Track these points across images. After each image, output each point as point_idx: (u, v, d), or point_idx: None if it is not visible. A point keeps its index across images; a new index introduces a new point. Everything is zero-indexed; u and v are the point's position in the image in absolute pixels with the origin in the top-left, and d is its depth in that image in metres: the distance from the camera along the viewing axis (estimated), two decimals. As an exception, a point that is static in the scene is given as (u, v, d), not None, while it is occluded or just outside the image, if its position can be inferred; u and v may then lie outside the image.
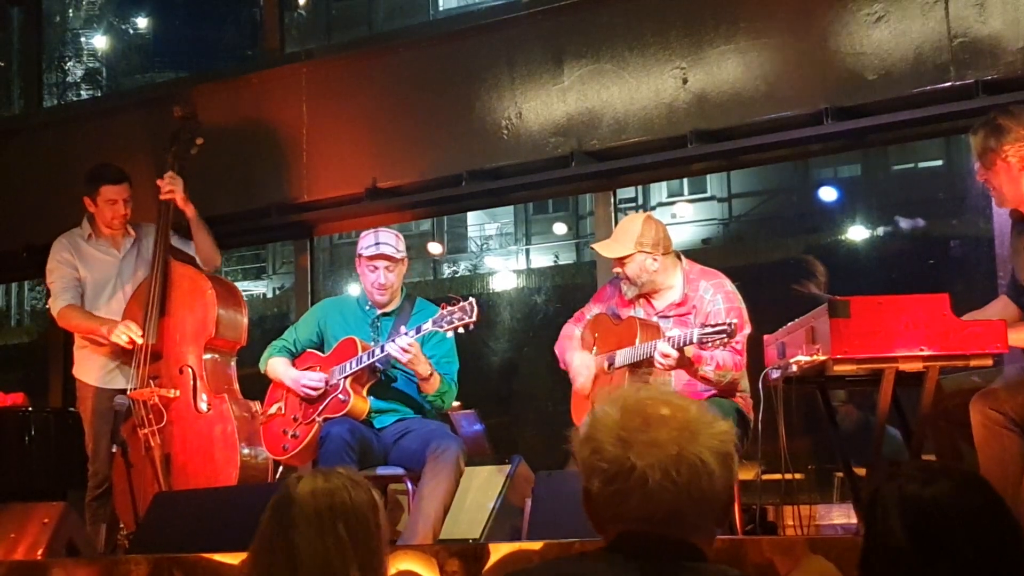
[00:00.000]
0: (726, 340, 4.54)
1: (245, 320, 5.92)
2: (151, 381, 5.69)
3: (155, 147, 7.26)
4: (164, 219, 5.96)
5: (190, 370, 5.70)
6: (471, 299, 4.87)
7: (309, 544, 2.49)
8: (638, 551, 1.93)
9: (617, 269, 5.05)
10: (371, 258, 5.23)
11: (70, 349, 6.13)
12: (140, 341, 5.68)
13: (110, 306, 5.94)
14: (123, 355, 5.80)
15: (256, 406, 5.65)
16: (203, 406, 5.65)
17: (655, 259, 4.97)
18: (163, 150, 6.20)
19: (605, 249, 5.14)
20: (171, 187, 5.95)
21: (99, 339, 5.82)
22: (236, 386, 5.84)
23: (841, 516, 5.22)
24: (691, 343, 4.60)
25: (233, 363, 5.89)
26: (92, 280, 6.00)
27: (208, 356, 5.76)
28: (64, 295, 5.93)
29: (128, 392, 5.65)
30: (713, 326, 4.55)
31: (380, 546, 2.53)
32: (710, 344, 4.57)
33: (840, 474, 5.54)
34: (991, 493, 2.13)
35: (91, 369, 5.94)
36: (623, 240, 5.01)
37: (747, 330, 4.90)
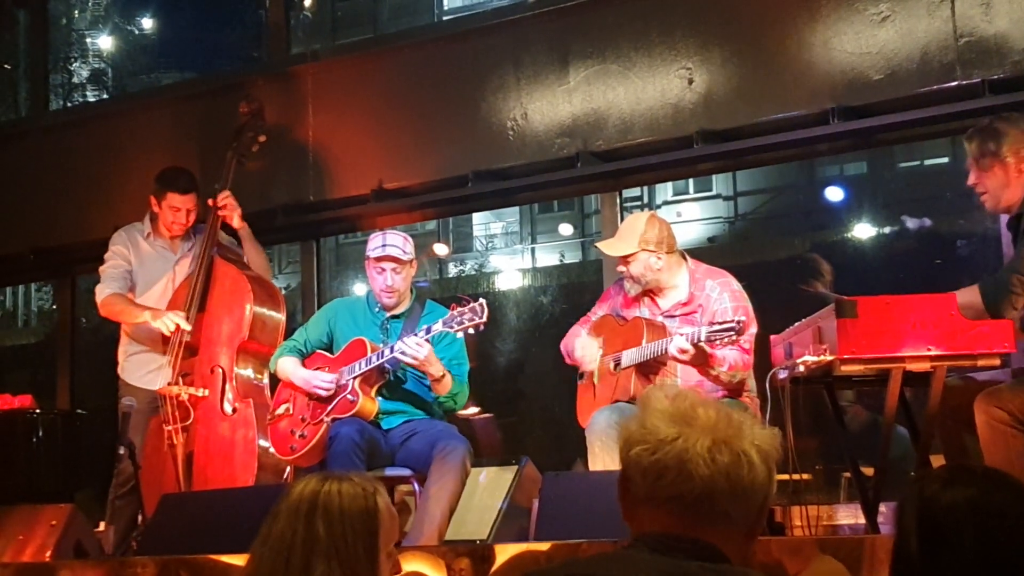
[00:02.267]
0: (735, 338, 4.54)
1: (282, 326, 5.88)
2: (181, 378, 5.70)
3: (162, 147, 7.30)
4: (213, 217, 5.98)
5: (221, 370, 5.70)
6: (481, 300, 4.87)
7: (280, 533, 2.50)
8: (658, 549, 1.89)
9: (621, 268, 5.06)
10: (378, 259, 5.24)
11: (78, 350, 6.13)
12: (187, 327, 5.68)
13: (158, 304, 5.96)
14: (163, 354, 5.81)
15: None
16: (228, 408, 5.64)
17: (659, 257, 4.98)
18: (225, 146, 6.23)
19: (609, 248, 5.15)
20: (227, 205, 5.97)
21: (141, 326, 5.85)
22: (266, 393, 5.79)
23: (849, 516, 5.21)
24: (699, 341, 4.61)
25: (265, 369, 5.82)
26: (144, 277, 6.04)
27: (240, 358, 5.75)
28: (112, 283, 5.98)
29: (158, 388, 5.69)
30: (720, 323, 4.55)
31: (370, 551, 2.51)
32: (718, 342, 4.58)
33: (848, 474, 5.53)
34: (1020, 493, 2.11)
35: (130, 368, 5.98)
36: (627, 238, 5.02)
37: (754, 329, 4.90)
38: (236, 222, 6.00)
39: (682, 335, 4.66)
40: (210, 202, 6.01)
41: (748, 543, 1.97)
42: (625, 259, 5.02)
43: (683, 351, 4.62)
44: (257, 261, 6.06)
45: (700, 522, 1.91)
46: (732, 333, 4.50)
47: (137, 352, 5.98)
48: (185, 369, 5.74)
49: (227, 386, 5.68)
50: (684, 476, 1.90)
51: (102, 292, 5.99)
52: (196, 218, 6.11)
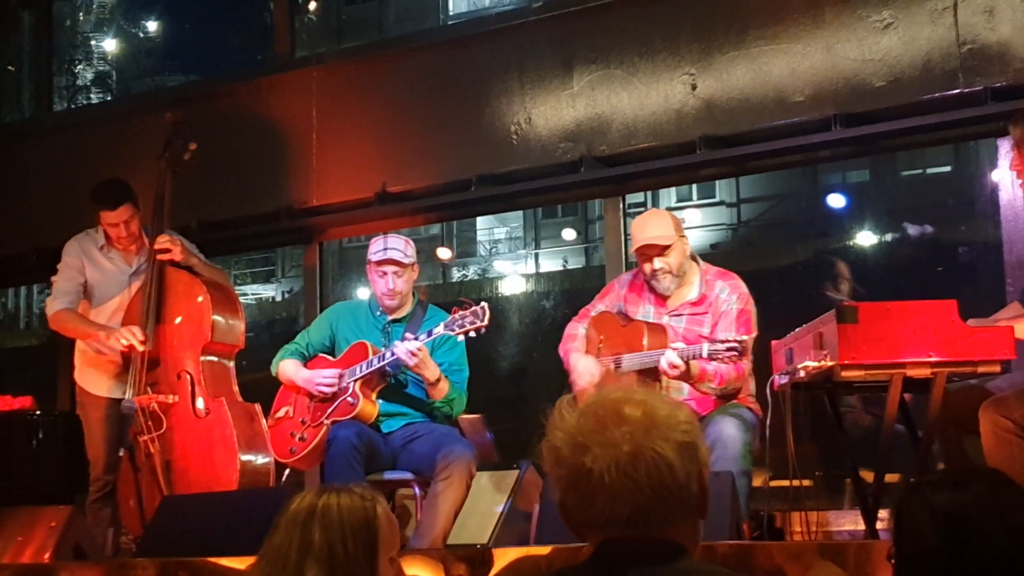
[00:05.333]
0: (736, 357, 4.51)
1: (242, 324, 5.82)
2: (149, 388, 5.62)
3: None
4: (156, 226, 5.84)
5: (188, 375, 5.64)
6: (483, 303, 4.87)
7: (278, 544, 2.52)
8: (619, 561, 1.89)
9: (660, 264, 4.93)
10: (379, 263, 5.25)
11: (76, 352, 6.08)
12: (141, 348, 5.57)
13: (114, 316, 5.85)
14: (126, 365, 5.70)
15: (257, 408, 5.63)
16: (201, 409, 5.60)
17: (687, 243, 4.99)
18: (156, 157, 6.05)
19: (656, 239, 4.94)
20: (168, 247, 5.74)
21: (96, 345, 5.75)
22: (235, 389, 5.76)
23: (849, 522, 5.21)
24: (699, 357, 4.58)
25: (231, 366, 5.80)
26: (100, 289, 5.91)
27: (205, 360, 5.68)
28: (63, 298, 5.84)
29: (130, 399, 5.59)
30: (723, 342, 4.51)
31: (371, 560, 2.52)
32: (719, 358, 4.54)
33: (849, 480, 5.53)
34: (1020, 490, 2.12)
35: (99, 378, 5.88)
36: (663, 229, 4.95)
37: (754, 334, 4.88)
38: (180, 258, 5.77)
39: (675, 349, 4.64)
40: (154, 246, 5.76)
41: (699, 521, 1.96)
42: (662, 252, 4.93)
43: (673, 366, 4.59)
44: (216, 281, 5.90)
45: (648, 530, 1.90)
46: (735, 353, 4.47)
47: (98, 364, 5.85)
48: (151, 379, 5.63)
49: (196, 389, 5.61)
50: (610, 501, 1.89)
51: (52, 307, 5.85)
52: (141, 224, 5.90)
